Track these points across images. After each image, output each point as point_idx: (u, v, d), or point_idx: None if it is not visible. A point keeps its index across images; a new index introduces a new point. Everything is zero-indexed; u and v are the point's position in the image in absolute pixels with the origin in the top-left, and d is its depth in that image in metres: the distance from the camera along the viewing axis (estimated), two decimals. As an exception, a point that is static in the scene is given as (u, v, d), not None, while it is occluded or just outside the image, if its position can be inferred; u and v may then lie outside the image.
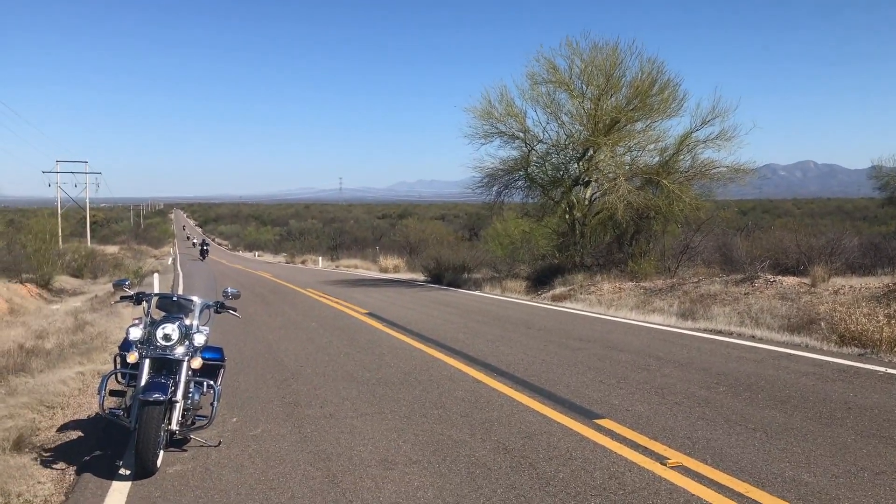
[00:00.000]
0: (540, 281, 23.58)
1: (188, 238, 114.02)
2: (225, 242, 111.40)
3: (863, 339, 10.05)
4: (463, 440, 6.17)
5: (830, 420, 6.49)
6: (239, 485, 5.27)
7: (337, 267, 48.66)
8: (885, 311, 10.76)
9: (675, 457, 5.57)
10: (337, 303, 19.15)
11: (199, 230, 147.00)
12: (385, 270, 38.89)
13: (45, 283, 26.63)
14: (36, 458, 5.99)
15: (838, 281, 16.09)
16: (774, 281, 16.28)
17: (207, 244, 67.55)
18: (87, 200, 71.53)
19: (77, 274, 34.42)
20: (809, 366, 8.94)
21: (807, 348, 10.25)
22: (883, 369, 8.56)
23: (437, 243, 39.77)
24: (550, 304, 18.44)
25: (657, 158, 24.20)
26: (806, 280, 16.11)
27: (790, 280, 16.36)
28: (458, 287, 24.99)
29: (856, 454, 5.55)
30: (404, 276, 34.34)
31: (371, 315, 15.82)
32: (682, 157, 23.60)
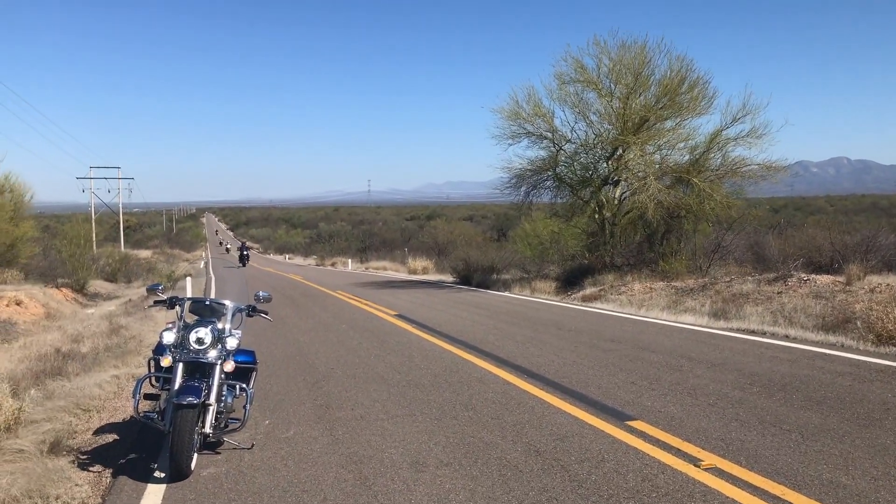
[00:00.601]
0: (570, 281, 23.48)
1: (221, 243, 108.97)
2: (256, 245, 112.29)
3: (901, 339, 9.87)
4: (494, 442, 6.16)
5: (868, 421, 6.38)
6: (272, 487, 5.31)
7: (366, 269, 48.86)
8: (924, 310, 10.55)
9: (709, 458, 5.51)
10: (367, 305, 19.22)
11: (231, 234, 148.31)
12: (414, 272, 38.97)
13: (80, 288, 27.04)
14: (73, 461, 6.08)
15: (874, 279, 15.81)
16: (808, 279, 16.04)
17: (248, 248, 56.34)
18: (121, 205, 72.60)
19: (111, 278, 34.89)
20: (845, 366, 8.80)
21: (842, 348, 10.09)
22: (922, 369, 8.40)
23: (465, 244, 39.76)
24: (580, 305, 18.35)
25: (687, 157, 24.02)
26: (840, 278, 15.86)
27: (824, 278, 16.11)
28: (487, 288, 24.96)
29: (895, 456, 5.45)
30: (433, 277, 34.38)
31: (400, 317, 15.85)
32: (712, 155, 23.39)
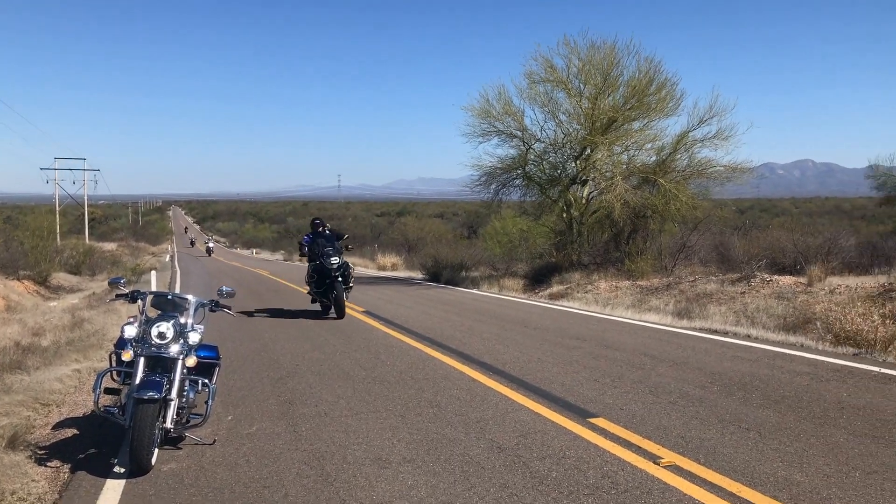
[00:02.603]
0: (537, 279, 23.62)
1: (192, 242, 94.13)
2: (223, 239, 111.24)
3: (857, 339, 10.08)
4: (457, 439, 6.19)
5: (824, 420, 6.52)
6: (233, 483, 5.28)
7: (335, 264, 48.60)
8: (880, 311, 10.79)
9: (669, 456, 5.59)
10: (334, 301, 19.11)
11: (198, 227, 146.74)
12: (383, 268, 38.87)
13: (42, 280, 26.65)
14: (30, 456, 5.99)
15: (835, 280, 16.14)
16: (771, 280, 16.31)
17: (339, 247, 15.17)
18: (86, 197, 71.57)
19: (75, 271, 34.39)
20: (804, 365, 8.97)
21: (802, 348, 10.28)
22: (877, 369, 8.58)
23: (435, 241, 39.77)
24: (547, 303, 18.46)
25: (654, 157, 24.28)
26: (802, 279, 16.15)
27: (787, 279, 16.40)
28: (456, 285, 25.00)
29: (848, 454, 5.57)
30: (402, 274, 34.36)
31: (368, 313, 15.81)
32: (679, 156, 23.67)
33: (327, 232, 15.32)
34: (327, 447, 6.05)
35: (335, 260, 14.39)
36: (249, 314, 14.98)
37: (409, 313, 15.74)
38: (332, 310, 14.83)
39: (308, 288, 15.73)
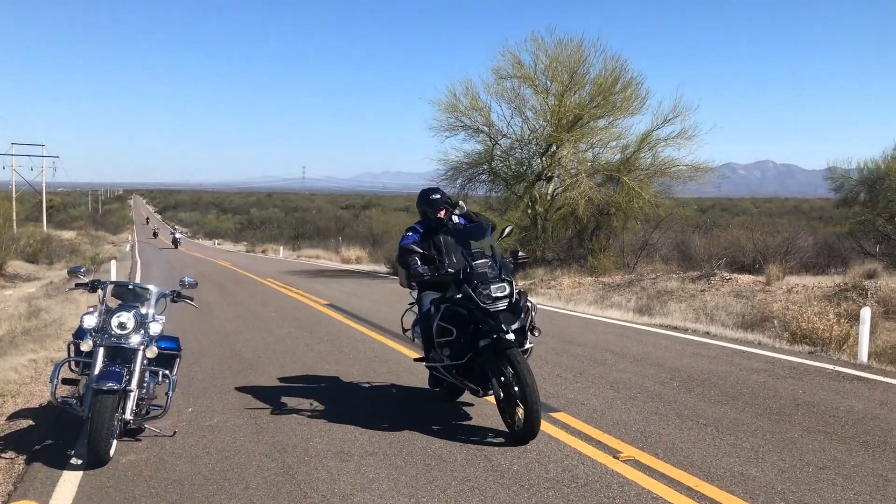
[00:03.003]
0: (501, 275, 23.75)
1: (156, 234, 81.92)
2: (185, 230, 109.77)
3: (813, 338, 10.31)
4: (419, 432, 6.19)
5: (779, 416, 6.65)
6: (193, 475, 5.24)
7: (298, 257, 48.36)
8: (836, 311, 11.05)
9: (628, 450, 5.66)
10: (297, 293, 19.04)
11: (159, 217, 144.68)
12: (347, 261, 38.72)
13: (-3, 269, 26.11)
14: (-16, 447, 5.88)
15: (792, 279, 16.45)
16: (730, 279, 16.58)
17: (500, 256, 6.37)
18: (44, 184, 70.29)
19: (32, 259, 33.75)
20: (761, 363, 9.13)
21: (759, 345, 10.46)
22: (831, 367, 8.77)
23: (401, 235, 39.69)
24: (511, 298, 18.53)
25: (618, 156, 24.56)
26: (761, 278, 16.44)
27: (746, 278, 16.68)
28: (420, 279, 24.95)
29: (802, 449, 5.69)
30: (366, 267, 34.26)
31: (331, 306, 15.76)
32: (642, 154, 23.98)
33: (458, 220, 7.16)
34: (289, 440, 6.02)
35: (501, 289, 5.99)
36: (211, 306, 14.26)
37: (372, 307, 15.72)
38: (491, 404, 6.45)
39: (423, 352, 6.96)
